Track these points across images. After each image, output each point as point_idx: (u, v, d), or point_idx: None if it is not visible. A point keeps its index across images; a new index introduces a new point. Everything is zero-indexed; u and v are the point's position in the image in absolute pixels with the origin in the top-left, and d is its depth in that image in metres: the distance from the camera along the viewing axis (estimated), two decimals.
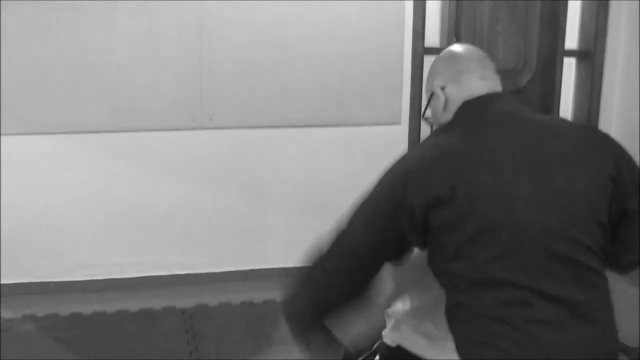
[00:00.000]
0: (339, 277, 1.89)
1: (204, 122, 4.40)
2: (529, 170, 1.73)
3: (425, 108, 2.11)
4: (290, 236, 4.62)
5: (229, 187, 4.54)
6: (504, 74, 4.88)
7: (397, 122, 4.69)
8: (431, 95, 1.99)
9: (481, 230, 1.68)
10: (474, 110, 1.90)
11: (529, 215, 1.68)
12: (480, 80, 1.94)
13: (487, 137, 1.80)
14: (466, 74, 1.94)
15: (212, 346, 3.68)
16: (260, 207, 4.60)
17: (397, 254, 1.88)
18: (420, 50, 4.64)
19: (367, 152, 4.66)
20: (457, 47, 2.03)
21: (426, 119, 2.27)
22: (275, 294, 4.17)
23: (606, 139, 1.87)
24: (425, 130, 4.83)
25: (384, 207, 1.80)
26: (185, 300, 4.27)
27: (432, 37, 4.83)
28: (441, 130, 1.92)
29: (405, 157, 1.85)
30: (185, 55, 4.29)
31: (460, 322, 1.73)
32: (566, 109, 5.32)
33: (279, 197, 4.61)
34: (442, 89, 1.96)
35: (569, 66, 5.27)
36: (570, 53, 5.21)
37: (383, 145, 4.69)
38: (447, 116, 1.94)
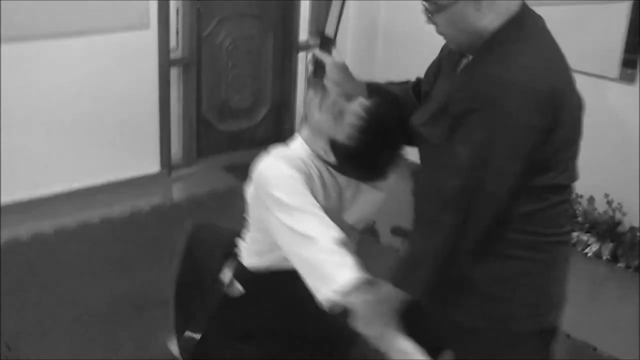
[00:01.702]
0: (488, 220, 1.78)
1: None
2: None
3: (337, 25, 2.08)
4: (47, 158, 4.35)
5: None
6: None
7: (146, 26, 4.51)
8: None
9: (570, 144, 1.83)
10: (530, 20, 1.82)
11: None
12: None
13: (560, 55, 1.82)
14: None
15: None
16: (6, 129, 4.23)
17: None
18: None
19: (116, 61, 4.45)
20: None
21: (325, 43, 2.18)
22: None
23: None
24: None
25: (527, 135, 1.71)
26: None
27: None
28: (532, 40, 1.78)
29: (527, 87, 1.68)
30: None
31: None
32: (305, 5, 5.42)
33: (27, 118, 4.26)
34: None
35: None
36: None
37: (132, 51, 4.50)
38: (486, 25, 1.76)
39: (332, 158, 2.07)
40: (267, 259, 2.21)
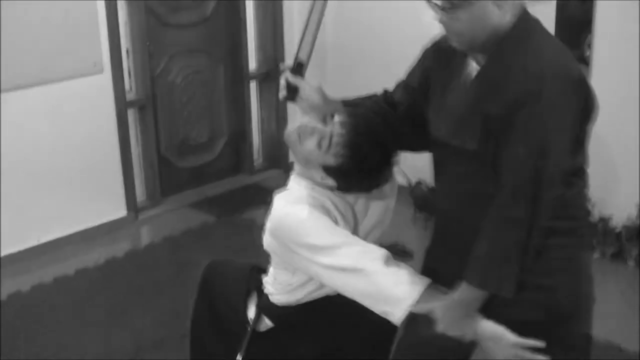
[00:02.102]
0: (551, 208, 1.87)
1: None
2: None
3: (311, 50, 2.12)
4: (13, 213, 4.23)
5: None
6: (190, 4, 4.93)
7: (100, 71, 4.46)
8: None
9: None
10: (533, 21, 1.91)
11: None
12: None
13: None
14: None
15: None
16: None
17: None
18: None
19: (74, 108, 4.38)
20: None
21: (298, 66, 2.20)
22: None
23: None
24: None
25: (571, 118, 1.84)
26: None
27: None
28: (543, 34, 1.90)
29: (564, 74, 1.82)
30: None
31: None
32: (251, 30, 5.45)
33: None
34: None
35: None
36: None
37: (88, 98, 4.44)
38: (505, 22, 1.85)
39: (331, 182, 2.12)
40: (298, 295, 2.23)
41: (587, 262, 2.08)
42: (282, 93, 2.23)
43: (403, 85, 2.20)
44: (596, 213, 4.15)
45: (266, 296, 2.30)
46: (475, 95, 1.90)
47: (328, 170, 2.10)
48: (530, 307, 1.95)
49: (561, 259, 1.97)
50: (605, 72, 3.99)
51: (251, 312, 2.35)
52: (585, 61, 4.03)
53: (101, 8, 4.38)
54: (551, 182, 1.83)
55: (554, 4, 4.05)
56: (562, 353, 1.98)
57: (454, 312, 1.93)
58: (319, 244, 2.03)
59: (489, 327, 1.93)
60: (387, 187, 2.26)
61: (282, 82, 2.23)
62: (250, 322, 2.32)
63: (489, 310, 1.95)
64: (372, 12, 4.99)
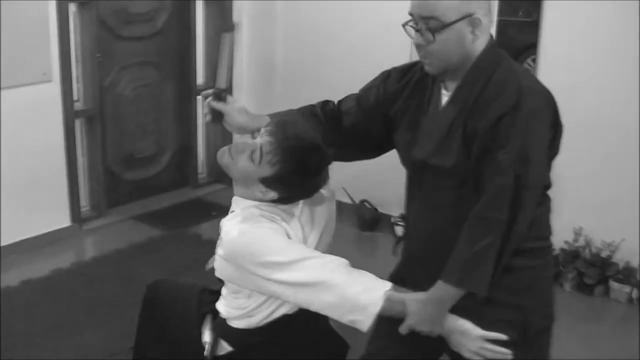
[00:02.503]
0: (531, 215, 1.98)
1: None
2: None
3: (228, 76, 2.12)
4: None
5: None
6: (143, 16, 4.94)
7: (49, 80, 4.42)
8: (464, 17, 1.93)
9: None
10: (500, 49, 2.04)
11: None
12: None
13: None
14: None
15: None
16: None
17: None
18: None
19: (21, 116, 4.33)
20: None
21: (219, 94, 2.25)
22: None
23: None
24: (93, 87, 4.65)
25: (546, 129, 1.98)
26: None
27: None
28: (510, 59, 2.03)
29: (538, 89, 1.97)
30: None
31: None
32: (200, 45, 5.48)
33: None
34: (480, 17, 1.95)
35: (199, 4, 5.40)
36: None
37: (36, 106, 4.40)
38: (477, 47, 1.98)
39: (272, 194, 2.13)
40: (256, 318, 2.22)
41: (552, 282, 2.24)
42: (208, 118, 2.28)
43: (356, 98, 2.28)
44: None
45: (223, 320, 2.28)
46: (452, 115, 2.00)
47: (267, 182, 2.10)
48: (502, 327, 2.04)
49: (530, 279, 2.09)
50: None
51: (206, 337, 2.32)
52: None
53: (53, 17, 4.35)
54: (531, 188, 1.94)
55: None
56: None
57: (427, 308, 2.00)
58: (278, 261, 2.03)
59: (457, 322, 2.02)
60: (325, 191, 2.30)
61: (206, 108, 2.27)
62: (206, 347, 2.30)
63: None
64: (320, 29, 5.09)
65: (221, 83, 2.29)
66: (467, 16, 1.93)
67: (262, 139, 2.10)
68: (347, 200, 4.84)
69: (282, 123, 2.13)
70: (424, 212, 2.14)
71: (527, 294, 2.09)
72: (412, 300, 2.01)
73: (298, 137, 2.09)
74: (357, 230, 4.78)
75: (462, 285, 1.97)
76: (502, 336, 2.01)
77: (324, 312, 2.07)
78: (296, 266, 2.03)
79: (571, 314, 3.99)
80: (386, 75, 2.25)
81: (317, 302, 2.05)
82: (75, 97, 4.68)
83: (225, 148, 2.18)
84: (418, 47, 2.00)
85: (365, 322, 2.01)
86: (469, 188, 1.99)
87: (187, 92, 5.37)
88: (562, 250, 4.20)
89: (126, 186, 5.19)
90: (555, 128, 2.02)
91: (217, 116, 2.26)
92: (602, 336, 3.82)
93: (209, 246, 2.21)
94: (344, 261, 2.07)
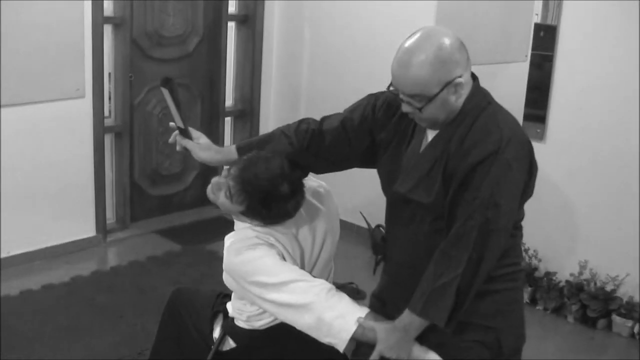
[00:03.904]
0: (498, 253, 2.08)
1: None
2: None
3: (180, 116, 2.32)
4: None
5: None
6: (174, 39, 5.17)
7: (82, 96, 4.65)
8: (445, 86, 2.02)
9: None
10: (484, 91, 2.14)
11: None
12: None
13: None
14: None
15: None
16: None
17: None
18: (100, 20, 4.60)
19: (53, 129, 4.56)
20: (451, 33, 2.07)
21: (183, 132, 2.44)
22: None
23: None
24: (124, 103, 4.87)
25: (521, 177, 2.07)
26: None
27: (107, 6, 4.78)
28: (494, 103, 2.13)
29: (518, 140, 2.05)
30: None
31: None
32: (230, 68, 5.68)
33: None
34: (460, 77, 2.04)
35: (231, 29, 5.61)
36: (232, 17, 5.55)
37: (68, 120, 4.63)
38: (460, 102, 2.07)
39: (256, 222, 2.32)
40: (257, 323, 2.42)
41: (522, 304, 2.34)
42: (178, 148, 2.50)
43: (341, 119, 2.37)
44: (542, 268, 4.40)
45: (231, 319, 2.48)
46: (434, 155, 2.11)
47: (245, 214, 2.31)
48: (478, 348, 2.16)
49: (503, 302, 2.19)
50: (561, 139, 4.29)
51: (216, 333, 2.53)
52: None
53: (88, 35, 4.57)
54: (500, 231, 2.04)
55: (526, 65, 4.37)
56: None
57: (395, 335, 2.13)
58: (267, 282, 2.22)
59: (422, 352, 2.13)
60: (322, 189, 2.51)
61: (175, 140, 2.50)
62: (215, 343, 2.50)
63: (442, 351, 2.16)
64: (344, 55, 5.26)
65: (180, 124, 2.48)
66: (449, 83, 2.02)
67: (228, 180, 2.29)
68: (363, 224, 4.98)
69: (244, 166, 2.28)
70: (402, 239, 2.25)
71: (501, 316, 2.19)
72: (381, 327, 2.15)
73: (257, 176, 2.25)
74: (370, 254, 4.90)
75: (424, 316, 2.08)
76: None
77: (305, 332, 2.23)
78: (283, 288, 2.21)
79: (573, 346, 4.06)
80: (374, 100, 2.34)
81: (299, 323, 2.22)
82: (106, 114, 4.91)
83: (209, 185, 2.37)
84: (413, 114, 2.12)
85: (340, 345, 2.18)
86: (443, 222, 2.11)
87: (215, 113, 5.57)
88: (567, 282, 4.27)
89: (151, 201, 5.39)
90: (530, 173, 2.11)
91: (186, 150, 2.48)
92: None
93: (222, 263, 2.40)
94: (327, 286, 2.23)
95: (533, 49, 4.35)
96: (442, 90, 2.02)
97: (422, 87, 2.01)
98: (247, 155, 2.32)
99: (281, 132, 2.40)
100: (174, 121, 2.48)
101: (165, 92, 2.41)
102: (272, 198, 2.26)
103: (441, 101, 2.04)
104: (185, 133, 2.46)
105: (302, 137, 2.37)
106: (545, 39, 4.27)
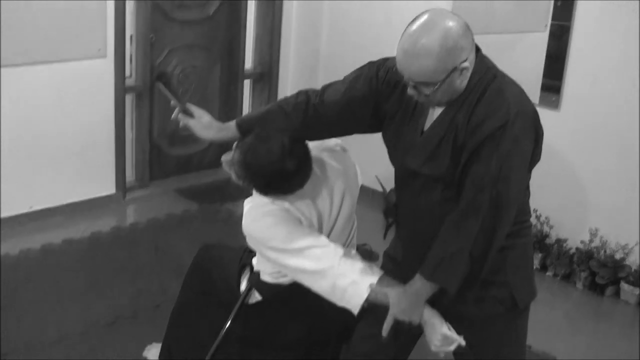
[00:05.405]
0: (510, 222, 2.14)
1: None
2: None
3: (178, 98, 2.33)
4: (5, 182, 4.49)
5: None
6: (195, 2, 5.21)
7: (103, 56, 4.73)
8: (451, 72, 2.03)
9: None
10: (488, 63, 2.15)
11: None
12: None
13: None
14: None
15: None
16: None
17: None
18: None
19: (74, 89, 4.65)
20: (456, 17, 2.07)
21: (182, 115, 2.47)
22: None
23: None
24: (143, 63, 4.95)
25: (529, 148, 2.11)
26: None
27: None
28: (501, 76, 2.14)
29: (525, 111, 2.07)
30: None
31: None
32: (250, 31, 5.73)
33: None
34: (465, 60, 2.05)
35: None
36: None
37: (90, 80, 4.71)
38: (464, 83, 2.09)
39: (270, 196, 2.37)
40: (280, 279, 2.51)
41: (532, 259, 2.41)
42: (180, 126, 2.51)
43: (343, 91, 2.34)
44: (553, 235, 4.46)
45: (257, 273, 2.56)
46: (443, 130, 2.13)
47: (258, 192, 2.38)
48: (493, 303, 2.24)
49: (514, 257, 2.25)
50: (575, 109, 4.32)
51: (243, 286, 2.62)
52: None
53: None
54: (510, 202, 2.09)
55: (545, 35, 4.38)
56: (514, 342, 2.35)
57: (406, 299, 2.19)
58: (282, 247, 2.31)
59: (431, 316, 2.20)
60: (339, 148, 2.57)
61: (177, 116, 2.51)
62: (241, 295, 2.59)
63: (458, 308, 2.23)
64: (362, 26, 5.30)
65: (182, 107, 2.50)
66: (454, 69, 2.04)
67: (233, 164, 2.35)
68: (378, 187, 5.05)
69: (245, 150, 2.32)
70: (413, 205, 2.29)
71: (513, 271, 2.26)
72: (393, 293, 2.22)
73: (259, 160, 2.28)
74: (382, 217, 4.99)
75: (434, 280, 2.14)
76: (462, 341, 2.19)
77: (321, 295, 2.31)
78: (297, 254, 2.30)
79: (581, 312, 4.15)
80: (375, 70, 2.34)
81: (315, 287, 2.31)
82: (127, 74, 4.98)
83: (224, 160, 2.42)
84: (422, 99, 2.14)
85: (353, 309, 2.26)
86: (453, 191, 2.15)
87: (234, 76, 5.63)
88: (577, 249, 4.33)
89: (170, 161, 5.48)
90: (536, 141, 2.14)
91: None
92: (609, 335, 3.93)
93: (239, 224, 2.45)
94: (340, 252, 2.30)
95: (553, 19, 4.37)
96: (448, 76, 2.03)
97: (428, 76, 2.03)
98: (247, 139, 2.34)
99: (280, 108, 2.38)
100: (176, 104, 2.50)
101: (161, 85, 2.46)
102: (279, 177, 2.30)
103: (448, 85, 2.06)
104: (187, 111, 2.48)
105: (301, 113, 2.35)
106: (563, 9, 4.29)
